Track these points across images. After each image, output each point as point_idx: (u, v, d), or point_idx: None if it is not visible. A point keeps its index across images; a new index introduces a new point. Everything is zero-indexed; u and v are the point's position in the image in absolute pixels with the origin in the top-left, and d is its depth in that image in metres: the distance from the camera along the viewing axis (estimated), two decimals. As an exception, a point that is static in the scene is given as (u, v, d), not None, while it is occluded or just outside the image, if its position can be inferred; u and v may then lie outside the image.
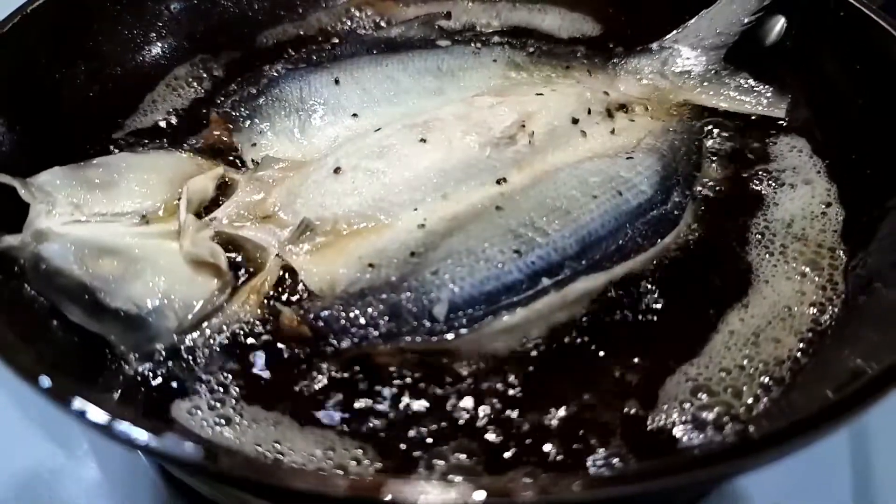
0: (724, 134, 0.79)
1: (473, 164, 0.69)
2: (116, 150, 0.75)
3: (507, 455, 0.50)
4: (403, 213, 0.66)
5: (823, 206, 0.70)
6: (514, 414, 0.53)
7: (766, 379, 0.56)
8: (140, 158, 0.69)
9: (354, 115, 0.76)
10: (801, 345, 0.58)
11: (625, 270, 0.62)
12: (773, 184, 0.73)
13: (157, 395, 0.53)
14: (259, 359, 0.57)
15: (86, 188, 0.64)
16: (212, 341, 0.57)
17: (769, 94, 0.82)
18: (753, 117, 0.81)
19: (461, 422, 0.53)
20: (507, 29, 0.97)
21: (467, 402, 0.54)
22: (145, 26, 0.84)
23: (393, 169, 0.68)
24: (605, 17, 0.98)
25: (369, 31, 0.95)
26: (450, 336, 0.56)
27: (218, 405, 0.53)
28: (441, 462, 0.50)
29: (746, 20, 0.83)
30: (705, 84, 0.84)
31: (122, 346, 0.56)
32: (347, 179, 0.67)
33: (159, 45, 0.85)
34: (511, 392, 0.55)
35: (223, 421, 0.52)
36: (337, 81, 0.78)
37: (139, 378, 0.54)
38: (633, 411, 0.54)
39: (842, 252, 0.66)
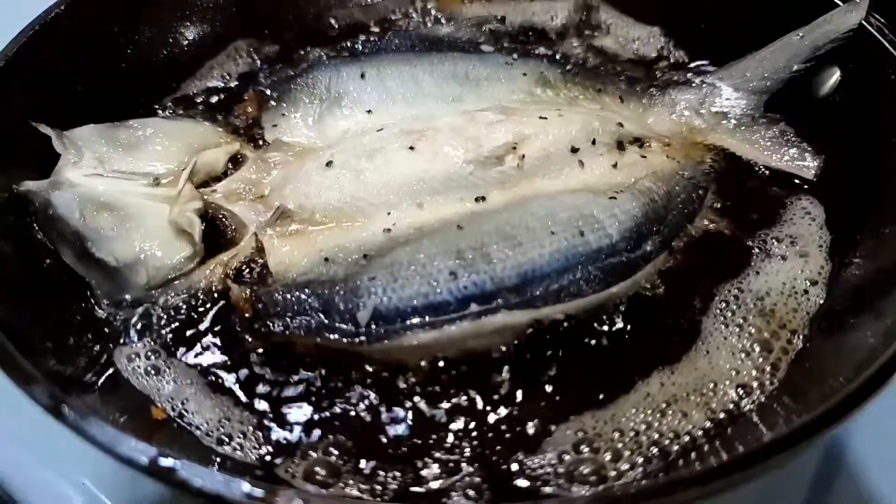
0: (741, 185, 0.76)
1: (454, 178, 0.71)
2: (164, 112, 0.85)
3: (369, 462, 0.55)
4: (376, 215, 0.70)
5: (808, 285, 0.66)
6: (398, 428, 0.57)
7: (654, 450, 0.55)
8: (168, 125, 0.78)
9: (369, 111, 0.80)
10: (706, 424, 0.57)
11: (556, 311, 0.62)
12: (766, 250, 0.69)
13: (109, 338, 0.62)
14: (202, 324, 0.64)
15: (112, 146, 0.73)
16: (170, 301, 0.65)
17: (802, 151, 0.77)
18: (780, 172, 0.76)
19: (345, 422, 0.57)
20: (565, 36, 0.96)
21: (360, 405, 0.58)
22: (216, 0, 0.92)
23: (377, 171, 0.71)
24: (676, 38, 0.93)
25: (426, 26, 0.98)
26: (365, 341, 0.60)
27: (153, 357, 0.61)
28: (313, 454, 0.55)
29: (796, 67, 0.78)
30: (739, 129, 0.80)
31: (99, 291, 0.65)
32: (334, 174, 0.72)
33: (227, 15, 0.93)
34: (403, 407, 0.58)
35: (152, 371, 0.60)
36: (363, 76, 0.82)
37: (103, 321, 0.64)
38: (510, 452, 0.56)
39: (802, 337, 0.62)
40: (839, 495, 0.65)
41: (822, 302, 0.64)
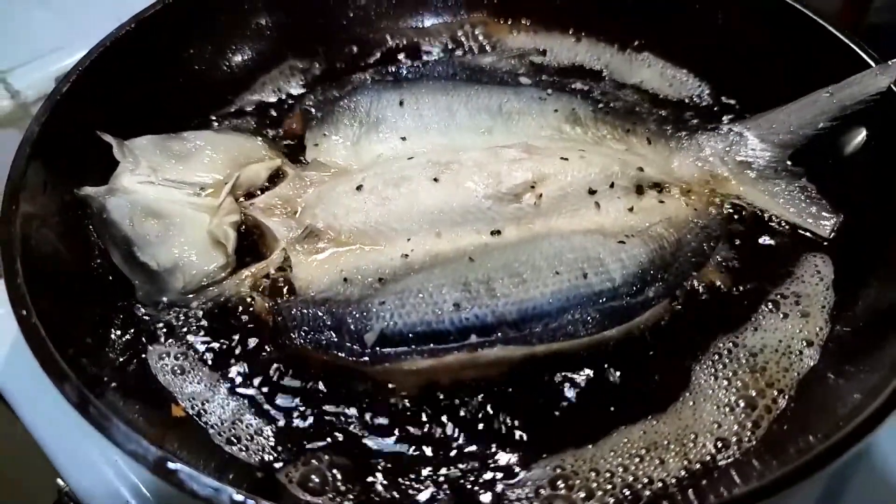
0: (754, 237, 0.77)
1: (472, 211, 0.75)
2: (224, 122, 0.92)
3: (358, 478, 0.60)
4: (397, 241, 0.75)
5: (803, 345, 0.68)
6: (387, 449, 0.62)
7: (626, 492, 0.58)
8: (218, 138, 0.84)
9: (403, 138, 0.85)
10: (681, 473, 0.60)
11: (551, 349, 0.66)
12: (769, 306, 0.71)
13: (144, 336, 0.69)
14: (226, 331, 0.70)
15: (165, 156, 0.80)
16: (201, 306, 0.72)
17: (821, 209, 0.77)
18: (796, 227, 0.77)
19: (343, 436, 0.63)
20: (603, 74, 0.98)
21: (357, 422, 0.64)
22: (273, 18, 0.98)
23: (402, 198, 0.76)
24: (709, 84, 0.95)
25: (473, 52, 1.02)
26: (369, 362, 0.65)
27: (181, 357, 0.68)
28: (314, 463, 0.61)
29: (823, 124, 0.78)
30: (761, 180, 0.81)
31: (140, 291, 0.72)
32: (362, 198, 0.77)
33: (282, 33, 0.98)
34: (394, 429, 0.63)
35: (179, 371, 0.67)
36: (401, 103, 0.87)
37: (140, 319, 0.70)
38: (490, 481, 0.60)
39: (787, 397, 0.64)
40: (861, 483, 0.66)
41: (813, 364, 0.66)
